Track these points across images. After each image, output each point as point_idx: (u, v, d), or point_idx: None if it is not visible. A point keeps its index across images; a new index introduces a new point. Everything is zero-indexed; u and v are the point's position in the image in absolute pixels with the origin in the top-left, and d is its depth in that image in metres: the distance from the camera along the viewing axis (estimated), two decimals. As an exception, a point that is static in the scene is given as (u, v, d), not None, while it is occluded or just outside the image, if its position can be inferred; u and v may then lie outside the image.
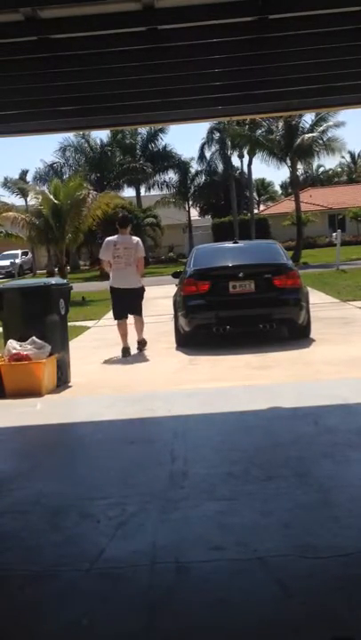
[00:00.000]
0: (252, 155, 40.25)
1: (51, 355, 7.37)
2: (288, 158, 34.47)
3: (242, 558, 3.19)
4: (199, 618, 2.74)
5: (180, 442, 5.14)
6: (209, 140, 45.04)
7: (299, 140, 33.20)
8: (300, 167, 37.99)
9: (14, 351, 7.25)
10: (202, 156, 46.18)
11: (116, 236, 9.77)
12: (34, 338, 7.28)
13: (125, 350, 9.56)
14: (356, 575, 3.00)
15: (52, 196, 22.14)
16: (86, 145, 43.16)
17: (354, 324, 11.20)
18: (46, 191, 23.63)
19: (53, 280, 9.04)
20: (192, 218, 48.11)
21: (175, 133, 78.57)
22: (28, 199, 37.27)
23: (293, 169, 35.48)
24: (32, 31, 4.72)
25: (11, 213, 23.67)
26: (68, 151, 43.43)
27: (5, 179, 46.86)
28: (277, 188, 70.04)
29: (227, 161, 46.58)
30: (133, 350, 9.73)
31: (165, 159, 46.05)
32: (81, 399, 7.15)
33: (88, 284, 28.12)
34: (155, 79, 5.83)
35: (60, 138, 43.59)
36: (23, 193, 46.00)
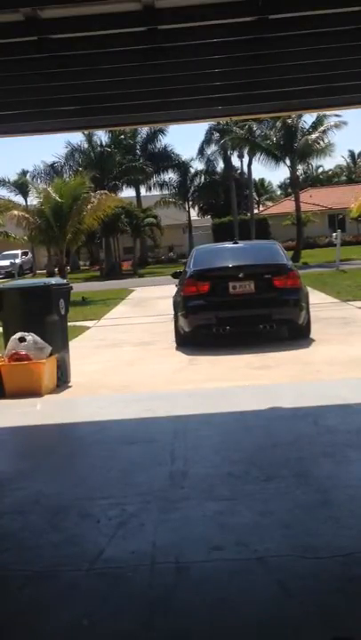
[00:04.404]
0: (251, 155, 40.32)
1: (51, 355, 7.37)
2: (288, 159, 34.57)
3: (242, 558, 3.19)
4: (199, 618, 2.74)
5: (180, 442, 5.14)
6: (208, 141, 45.06)
7: (299, 141, 33.33)
8: (299, 168, 38.06)
9: (15, 350, 7.24)
10: (202, 157, 46.25)
11: None
12: (34, 335, 7.25)
13: None
14: (355, 575, 3.00)
15: (55, 195, 22.04)
16: (87, 145, 43.16)
17: (354, 324, 11.21)
18: (49, 189, 23.51)
19: (53, 280, 9.05)
20: (192, 218, 48.11)
21: (175, 133, 78.63)
22: (30, 198, 37.33)
23: (293, 169, 35.54)
24: (32, 31, 4.71)
25: (15, 212, 23.65)
26: (70, 152, 43.45)
27: (3, 179, 46.74)
28: (275, 188, 70.19)
29: (227, 161, 46.59)
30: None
31: (165, 159, 46.04)
32: (81, 399, 7.14)
33: (88, 284, 28.19)
34: (155, 79, 5.83)
35: (69, 138, 43.76)
36: (23, 192, 46.02)
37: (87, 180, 24.90)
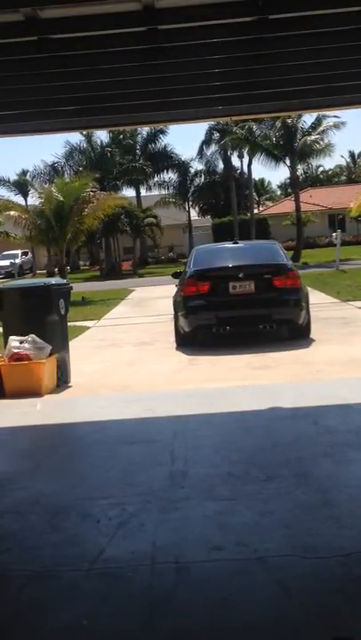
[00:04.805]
0: (251, 155, 40.32)
1: (51, 355, 7.37)
2: (288, 159, 34.59)
3: (242, 558, 3.19)
4: (199, 618, 2.74)
5: (180, 442, 5.14)
6: (208, 141, 45.04)
7: (299, 141, 33.37)
8: (299, 168, 38.07)
9: (15, 350, 7.24)
10: (201, 156, 46.23)
11: None
12: (34, 336, 7.26)
13: None
14: (356, 575, 3.00)
15: (57, 195, 21.95)
16: (86, 145, 43.14)
17: (354, 324, 11.21)
18: (52, 189, 23.44)
19: (53, 280, 9.04)
20: (192, 218, 48.09)
21: (175, 133, 78.71)
22: (32, 199, 37.29)
23: (293, 169, 35.55)
24: (32, 31, 4.71)
25: (13, 212, 23.60)
26: (69, 151, 43.43)
27: (3, 179, 46.71)
28: (275, 187, 70.29)
29: (226, 161, 46.56)
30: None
31: (165, 159, 46.01)
32: (81, 399, 7.14)
33: (88, 284, 28.18)
34: (155, 79, 5.82)
35: (68, 138, 43.76)
36: (23, 192, 46.02)
37: (90, 181, 24.83)
